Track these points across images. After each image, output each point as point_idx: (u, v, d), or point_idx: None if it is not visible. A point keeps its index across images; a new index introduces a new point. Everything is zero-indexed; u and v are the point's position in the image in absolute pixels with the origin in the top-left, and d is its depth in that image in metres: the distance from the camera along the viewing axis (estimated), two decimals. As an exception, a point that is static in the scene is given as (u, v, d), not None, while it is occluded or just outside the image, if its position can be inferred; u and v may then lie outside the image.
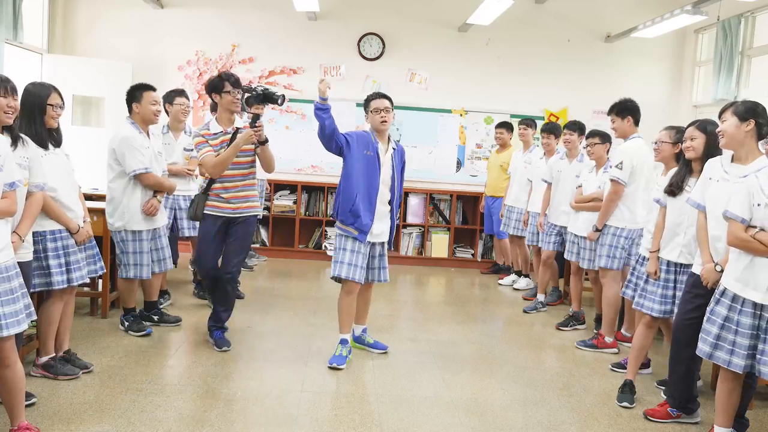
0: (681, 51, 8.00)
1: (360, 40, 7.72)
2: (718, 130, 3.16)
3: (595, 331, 4.96)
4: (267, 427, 3.13)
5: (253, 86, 4.08)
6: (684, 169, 3.61)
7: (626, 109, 4.57)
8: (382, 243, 4.19)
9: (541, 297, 5.82)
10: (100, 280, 4.83)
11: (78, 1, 7.53)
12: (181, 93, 5.25)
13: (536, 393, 3.82)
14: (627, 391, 3.72)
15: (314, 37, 7.67)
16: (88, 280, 4.07)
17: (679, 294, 3.59)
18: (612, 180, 4.53)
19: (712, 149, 3.42)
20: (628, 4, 7.77)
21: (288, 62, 7.72)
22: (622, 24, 7.57)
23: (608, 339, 4.69)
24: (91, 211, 4.55)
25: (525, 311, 5.71)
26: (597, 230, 4.69)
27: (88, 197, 4.08)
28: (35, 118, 3.30)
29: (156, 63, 7.57)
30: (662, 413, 3.48)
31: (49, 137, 3.39)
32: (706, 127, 3.49)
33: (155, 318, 4.62)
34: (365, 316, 4.42)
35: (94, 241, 3.78)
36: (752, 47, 6.74)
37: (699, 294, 3.26)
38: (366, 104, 4.10)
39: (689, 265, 3.50)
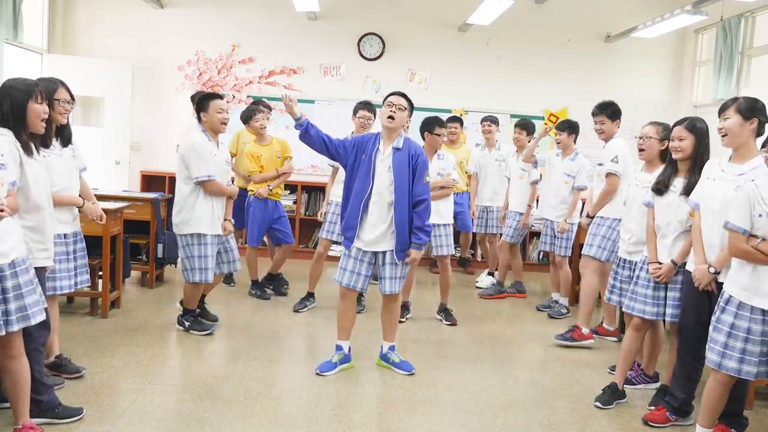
0: (681, 51, 8.00)
1: (360, 40, 7.71)
2: (720, 127, 3.10)
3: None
4: (267, 427, 3.13)
5: None
6: (670, 168, 3.52)
7: (617, 113, 4.83)
8: (385, 252, 3.85)
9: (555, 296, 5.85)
10: (100, 280, 4.83)
11: (78, 1, 7.53)
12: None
13: (536, 393, 3.83)
14: (607, 392, 3.66)
15: (314, 37, 7.67)
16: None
17: (669, 294, 3.52)
18: (610, 173, 4.65)
19: (701, 149, 3.38)
20: (628, 4, 7.77)
21: (288, 62, 7.71)
22: (622, 24, 7.57)
23: (585, 330, 4.71)
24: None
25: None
26: (589, 217, 4.83)
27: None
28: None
29: (156, 63, 7.58)
30: (662, 418, 3.44)
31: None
32: (695, 125, 3.39)
33: (186, 324, 4.52)
34: (391, 333, 4.05)
35: (85, 252, 3.64)
36: (752, 47, 6.74)
37: (696, 289, 3.24)
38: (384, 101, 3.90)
39: (682, 264, 3.45)
